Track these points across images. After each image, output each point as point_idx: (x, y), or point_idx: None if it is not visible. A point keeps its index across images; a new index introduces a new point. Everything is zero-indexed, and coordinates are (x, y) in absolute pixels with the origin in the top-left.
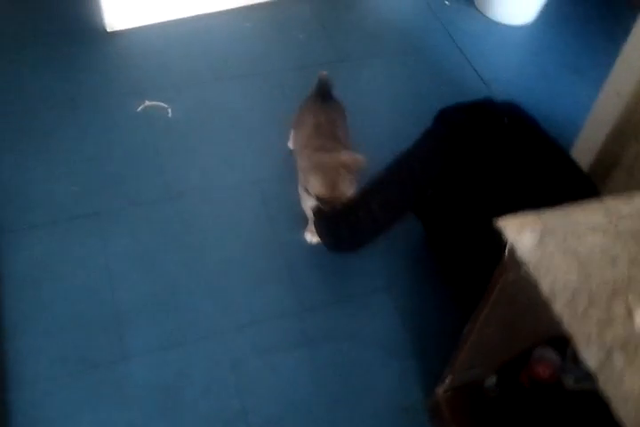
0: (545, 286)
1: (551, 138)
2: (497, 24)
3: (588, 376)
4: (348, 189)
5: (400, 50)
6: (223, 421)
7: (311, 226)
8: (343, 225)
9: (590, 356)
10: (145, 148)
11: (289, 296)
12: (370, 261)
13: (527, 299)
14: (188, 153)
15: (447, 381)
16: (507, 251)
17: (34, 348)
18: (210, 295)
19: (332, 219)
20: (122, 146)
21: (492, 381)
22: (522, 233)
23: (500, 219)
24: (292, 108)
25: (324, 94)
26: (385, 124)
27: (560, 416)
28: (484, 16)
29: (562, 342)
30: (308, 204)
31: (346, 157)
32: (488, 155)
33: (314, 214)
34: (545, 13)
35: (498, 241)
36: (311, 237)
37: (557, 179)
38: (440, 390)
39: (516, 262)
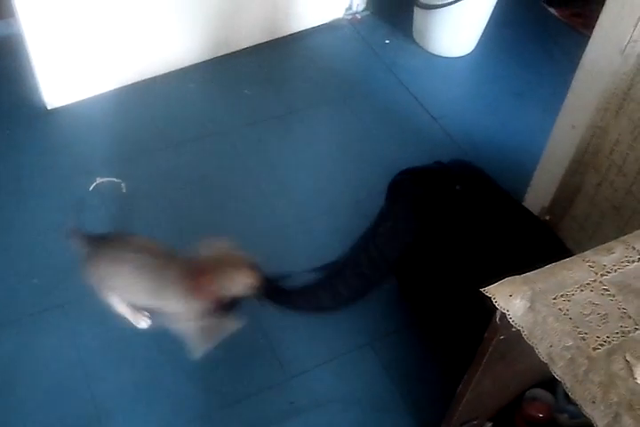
0: (542, 351)
1: (505, 192)
2: (438, 57)
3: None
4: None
5: (347, 95)
6: None
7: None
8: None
9: (598, 418)
10: (103, 229)
11: (271, 366)
12: (345, 319)
13: (518, 351)
14: (148, 229)
15: None
16: (498, 316)
17: None
18: (190, 377)
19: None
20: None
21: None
22: (512, 300)
23: (487, 287)
24: (247, 167)
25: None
26: (340, 172)
27: None
28: (425, 51)
29: (551, 381)
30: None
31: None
32: (449, 221)
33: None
34: (483, 42)
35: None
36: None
37: (521, 234)
38: None
39: (506, 325)
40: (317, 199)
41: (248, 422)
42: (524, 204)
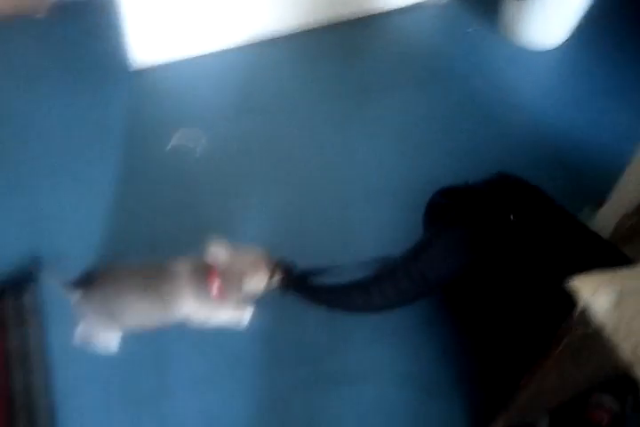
0: (627, 350)
1: (565, 211)
2: (524, 49)
3: None
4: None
5: (426, 79)
6: None
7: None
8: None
9: None
10: (175, 187)
11: (329, 333)
12: None
13: (591, 349)
14: (218, 191)
15: (500, 424)
16: (579, 310)
17: (80, 383)
18: (251, 333)
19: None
20: (155, 184)
21: (545, 423)
22: (597, 294)
23: (573, 279)
24: (318, 141)
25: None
26: (410, 156)
27: None
28: (511, 41)
29: (619, 387)
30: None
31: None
32: (505, 254)
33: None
34: (574, 36)
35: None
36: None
37: (580, 249)
38: None
39: (585, 321)
40: (383, 179)
41: (300, 383)
42: (607, 204)
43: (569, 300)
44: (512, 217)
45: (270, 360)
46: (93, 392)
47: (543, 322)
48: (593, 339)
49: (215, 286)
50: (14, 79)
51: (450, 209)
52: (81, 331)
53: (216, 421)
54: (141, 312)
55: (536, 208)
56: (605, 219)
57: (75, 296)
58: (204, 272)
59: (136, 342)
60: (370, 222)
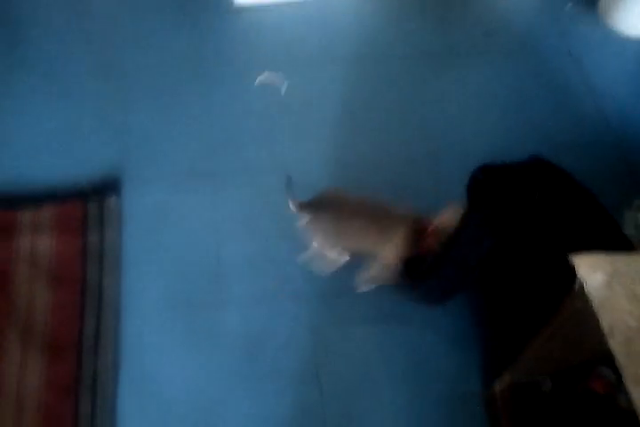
0: (605, 323)
1: (588, 191)
2: (618, 35)
3: None
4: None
5: (511, 50)
6: (298, 377)
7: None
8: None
9: (638, 396)
10: (257, 121)
11: None
12: None
13: (590, 322)
14: (295, 130)
15: (505, 380)
16: (577, 284)
17: (145, 284)
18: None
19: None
20: (237, 116)
21: (547, 384)
22: (593, 273)
23: (574, 255)
24: (398, 97)
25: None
26: (482, 122)
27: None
28: (606, 25)
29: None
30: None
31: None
32: (526, 230)
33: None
34: None
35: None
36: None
37: (592, 232)
38: (498, 386)
39: (581, 295)
40: (452, 141)
41: (338, 316)
42: None
43: (573, 275)
44: (537, 195)
45: (311, 290)
46: (156, 292)
47: (551, 293)
48: (591, 313)
49: (426, 244)
50: (121, 5)
51: (483, 186)
52: (311, 250)
53: (259, 336)
54: (359, 240)
55: (562, 191)
56: None
57: (306, 217)
58: (418, 225)
59: (203, 255)
60: (430, 180)
